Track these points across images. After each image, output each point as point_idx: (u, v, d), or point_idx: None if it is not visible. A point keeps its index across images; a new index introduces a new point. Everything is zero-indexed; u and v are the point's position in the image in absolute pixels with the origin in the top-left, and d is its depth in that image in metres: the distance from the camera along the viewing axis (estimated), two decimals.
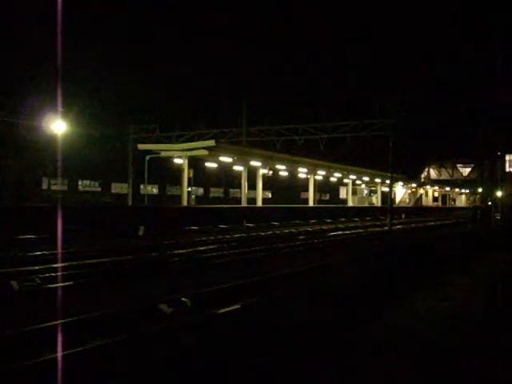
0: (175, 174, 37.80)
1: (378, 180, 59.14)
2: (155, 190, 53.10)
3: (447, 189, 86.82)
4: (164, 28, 69.80)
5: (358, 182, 61.90)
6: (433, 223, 40.71)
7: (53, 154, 29.03)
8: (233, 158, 34.36)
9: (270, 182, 49.77)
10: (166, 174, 43.24)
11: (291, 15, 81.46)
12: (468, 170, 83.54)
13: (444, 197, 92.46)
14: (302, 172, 45.07)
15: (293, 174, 46.72)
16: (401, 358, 5.73)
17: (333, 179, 54.56)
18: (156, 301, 7.62)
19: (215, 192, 61.06)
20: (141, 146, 35.12)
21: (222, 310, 7.30)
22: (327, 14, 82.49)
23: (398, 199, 72.68)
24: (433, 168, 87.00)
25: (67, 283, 9.46)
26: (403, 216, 48.31)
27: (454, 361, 5.68)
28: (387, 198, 36.20)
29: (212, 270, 12.20)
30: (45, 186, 38.75)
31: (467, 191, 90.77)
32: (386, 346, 6.18)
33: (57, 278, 10.01)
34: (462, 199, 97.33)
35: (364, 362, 5.59)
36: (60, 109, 26.23)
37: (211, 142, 32.10)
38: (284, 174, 46.37)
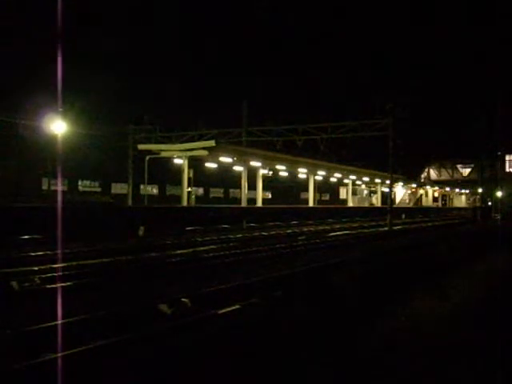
0: (175, 174, 37.76)
1: (378, 180, 59.12)
2: (155, 190, 53.07)
3: (447, 189, 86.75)
4: (164, 28, 69.79)
5: (358, 182, 61.87)
6: (432, 223, 40.70)
7: (53, 154, 28.99)
8: (233, 158, 34.34)
9: (270, 182, 49.74)
10: (166, 174, 43.20)
11: (291, 15, 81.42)
12: (468, 170, 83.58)
13: (444, 197, 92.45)
14: (302, 172, 45.06)
15: (293, 174, 46.70)
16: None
17: (333, 179, 54.54)
18: (156, 301, 7.61)
19: (215, 192, 61.01)
20: (141, 146, 35.09)
21: (223, 311, 7.30)
22: (328, 15, 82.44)
23: (398, 199, 72.67)
24: (433, 168, 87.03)
25: (67, 283, 9.46)
26: (403, 216, 48.31)
27: None
28: (387, 198, 36.18)
29: (212, 270, 12.19)
30: (45, 186, 38.70)
31: (467, 191, 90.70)
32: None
33: (56, 278, 10.00)
34: (461, 199, 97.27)
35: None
36: (60, 109, 26.22)
37: (211, 142, 32.08)
38: (284, 174, 46.35)
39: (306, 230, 27.75)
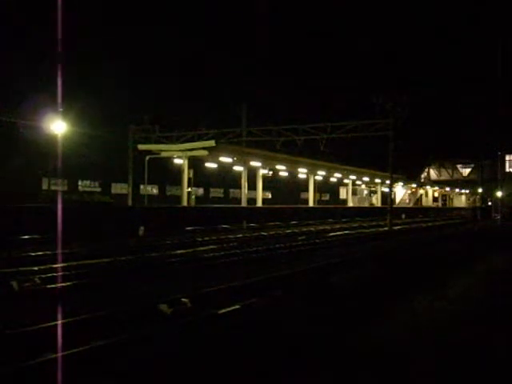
0: (175, 175, 37.76)
1: (378, 180, 59.12)
2: (155, 191, 53.03)
3: (447, 189, 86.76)
4: (164, 28, 69.79)
5: (358, 182, 61.87)
6: (433, 223, 40.71)
7: (53, 154, 28.97)
8: (233, 158, 34.37)
9: (270, 182, 49.74)
10: (166, 174, 43.18)
11: (291, 14, 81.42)
12: (468, 170, 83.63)
13: (444, 197, 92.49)
14: (302, 172, 45.07)
15: (293, 174, 46.72)
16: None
17: (333, 179, 54.56)
18: (156, 301, 7.61)
19: (215, 192, 60.98)
20: (141, 147, 35.08)
21: (223, 311, 7.30)
22: (328, 14, 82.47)
23: (398, 199, 72.70)
24: (433, 168, 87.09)
25: (67, 283, 9.46)
26: (403, 216, 48.33)
27: None
28: (387, 198, 36.17)
29: (212, 270, 12.19)
30: (45, 186, 38.69)
31: (467, 191, 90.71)
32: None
33: (57, 278, 10.00)
34: (461, 199, 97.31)
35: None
36: (60, 109, 26.20)
37: (211, 142, 32.08)
38: (284, 174, 46.38)
39: (305, 230, 27.75)
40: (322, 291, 9.41)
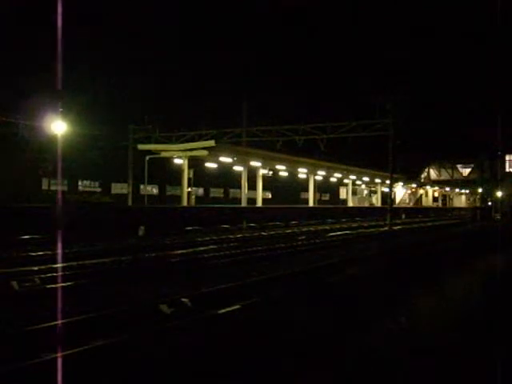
0: (175, 175, 37.76)
1: (378, 180, 59.11)
2: (155, 191, 53.00)
3: (447, 189, 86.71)
4: (164, 28, 69.85)
5: (358, 182, 61.85)
6: (432, 223, 40.70)
7: (53, 154, 28.97)
8: (233, 158, 34.37)
9: (270, 182, 49.73)
10: (166, 174, 43.18)
11: (291, 14, 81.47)
12: (468, 170, 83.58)
13: (444, 197, 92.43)
14: (302, 172, 45.06)
15: (293, 174, 46.71)
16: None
17: (333, 179, 54.55)
18: (156, 301, 7.61)
19: (215, 192, 60.94)
20: (141, 147, 35.08)
21: (223, 311, 7.30)
22: (328, 13, 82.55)
23: (398, 199, 72.68)
24: (433, 168, 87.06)
25: (67, 283, 9.46)
26: (403, 216, 48.30)
27: None
28: (387, 198, 36.17)
29: (212, 270, 12.20)
30: (45, 186, 38.70)
31: (467, 191, 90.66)
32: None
33: (57, 278, 10.01)
34: (461, 199, 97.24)
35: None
36: (60, 109, 26.20)
37: (211, 142, 32.09)
38: (284, 174, 46.37)
39: (305, 230, 27.76)
40: (322, 291, 9.41)
